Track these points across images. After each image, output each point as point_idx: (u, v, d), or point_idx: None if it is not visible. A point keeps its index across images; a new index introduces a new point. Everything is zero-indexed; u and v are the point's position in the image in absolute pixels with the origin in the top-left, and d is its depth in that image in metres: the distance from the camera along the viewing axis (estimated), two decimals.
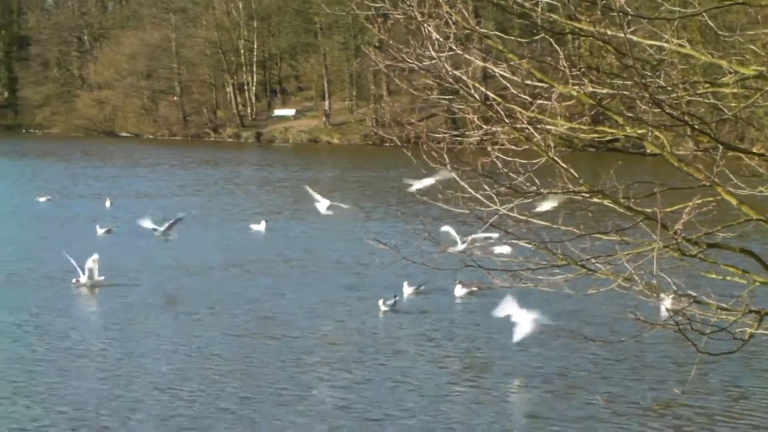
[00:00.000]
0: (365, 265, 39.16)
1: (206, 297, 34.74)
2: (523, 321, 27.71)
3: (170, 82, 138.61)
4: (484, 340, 29.46)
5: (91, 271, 35.27)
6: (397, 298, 32.71)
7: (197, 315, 32.23)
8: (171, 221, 39.69)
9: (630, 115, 12.00)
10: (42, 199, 61.89)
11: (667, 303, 12.06)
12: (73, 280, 35.71)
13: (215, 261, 41.82)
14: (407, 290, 33.44)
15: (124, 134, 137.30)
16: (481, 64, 12.34)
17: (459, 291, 33.95)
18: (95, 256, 35.64)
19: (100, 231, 48.18)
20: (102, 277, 35.50)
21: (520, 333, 27.55)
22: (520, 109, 11.90)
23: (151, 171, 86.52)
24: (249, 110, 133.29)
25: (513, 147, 12.10)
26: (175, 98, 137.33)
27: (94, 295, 35.12)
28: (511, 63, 12.06)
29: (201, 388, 24.67)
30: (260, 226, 49.80)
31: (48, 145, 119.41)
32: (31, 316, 32.00)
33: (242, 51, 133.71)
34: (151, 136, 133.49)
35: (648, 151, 12.11)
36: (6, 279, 37.60)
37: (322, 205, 44.28)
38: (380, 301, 32.37)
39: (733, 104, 12.26)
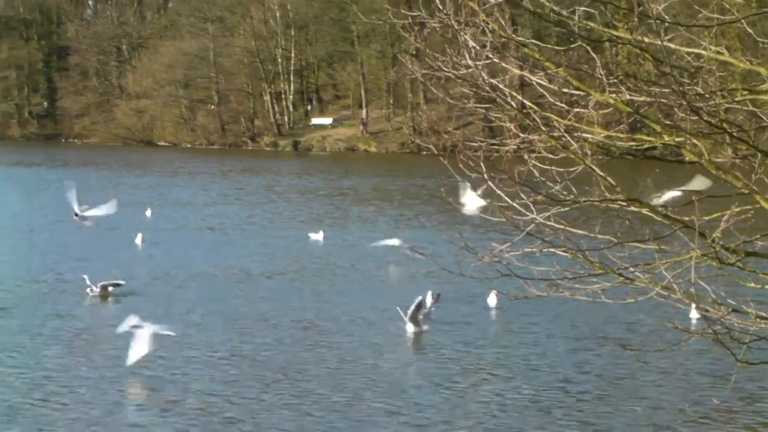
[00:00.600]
0: (413, 274, 39.13)
1: (254, 304, 34.81)
2: (141, 339, 26.27)
3: (208, 91, 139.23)
4: (522, 348, 29.37)
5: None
6: (430, 307, 32.54)
7: (244, 322, 32.27)
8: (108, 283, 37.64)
9: (668, 122, 11.94)
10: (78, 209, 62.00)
11: (705, 312, 11.99)
12: (87, 289, 35.62)
13: (261, 268, 41.90)
14: (429, 300, 33.15)
15: (162, 143, 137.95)
16: (518, 72, 12.33)
17: (493, 300, 33.80)
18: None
19: (138, 240, 48.23)
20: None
21: (137, 352, 26.08)
22: (557, 118, 11.87)
23: (192, 180, 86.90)
24: (286, 119, 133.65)
25: (550, 155, 12.07)
26: (212, 107, 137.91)
27: (136, 304, 35.18)
28: (548, 71, 12.03)
29: (248, 394, 24.68)
30: (318, 235, 49.63)
31: (87, 155, 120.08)
32: (67, 323, 32.11)
33: (279, 60, 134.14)
34: (188, 145, 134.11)
35: (686, 159, 12.04)
36: (52, 289, 37.66)
37: (472, 203, 44.14)
38: (401, 309, 32.16)
39: None
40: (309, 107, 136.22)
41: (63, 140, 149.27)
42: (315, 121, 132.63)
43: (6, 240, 50.59)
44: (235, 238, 51.58)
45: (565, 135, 11.66)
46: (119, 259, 40.80)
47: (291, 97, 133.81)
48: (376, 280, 39.69)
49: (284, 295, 36.70)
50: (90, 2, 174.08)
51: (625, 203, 11.59)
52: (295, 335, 30.78)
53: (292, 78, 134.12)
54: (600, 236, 12.10)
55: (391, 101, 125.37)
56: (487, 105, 12.63)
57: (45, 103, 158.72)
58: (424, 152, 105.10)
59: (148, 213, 60.04)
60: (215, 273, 40.67)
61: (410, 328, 30.86)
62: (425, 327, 30.88)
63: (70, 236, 50.62)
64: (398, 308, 31.47)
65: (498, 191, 11.94)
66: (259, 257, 45.13)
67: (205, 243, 49.72)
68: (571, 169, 11.93)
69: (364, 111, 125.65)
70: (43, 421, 22.90)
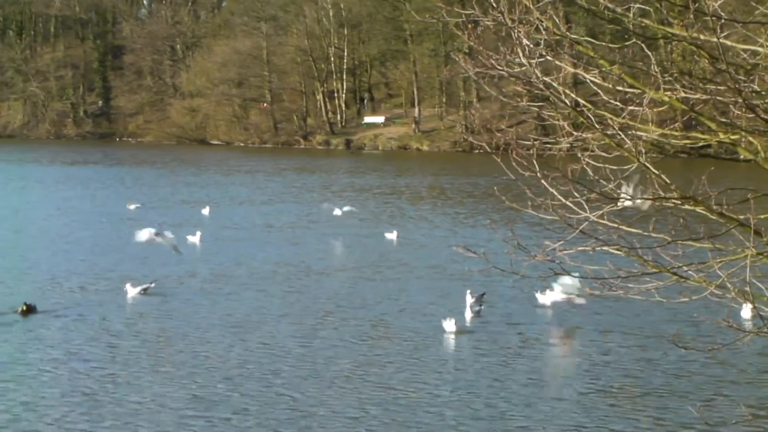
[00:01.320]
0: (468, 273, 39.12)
1: (323, 301, 34.96)
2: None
3: (261, 90, 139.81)
4: (579, 345, 29.34)
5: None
6: (482, 307, 32.58)
7: (312, 319, 32.36)
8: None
9: (723, 120, 11.86)
10: (132, 207, 62.51)
11: (761, 310, 11.89)
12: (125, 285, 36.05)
13: (323, 265, 42.21)
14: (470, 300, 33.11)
15: (215, 142, 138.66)
16: (572, 70, 12.28)
17: (541, 298, 33.76)
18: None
19: (191, 238, 48.11)
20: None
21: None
22: (611, 116, 11.82)
23: (249, 178, 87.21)
24: (339, 117, 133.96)
25: (603, 153, 12.02)
26: (265, 106, 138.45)
27: (199, 300, 35.34)
28: (602, 69, 11.98)
29: (317, 390, 24.75)
30: (392, 235, 49.62)
31: (142, 153, 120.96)
32: (128, 320, 32.32)
33: (332, 58, 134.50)
34: (241, 144, 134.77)
35: (741, 156, 11.96)
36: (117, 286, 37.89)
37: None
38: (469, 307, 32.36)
39: None
40: (361, 106, 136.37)
41: (117, 139, 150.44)
42: (367, 119, 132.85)
43: (70, 237, 51.07)
44: (295, 235, 51.77)
45: (619, 133, 11.61)
46: (177, 258, 40.93)
47: (343, 95, 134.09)
48: (438, 277, 39.60)
49: (349, 291, 36.80)
50: (145, 2, 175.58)
51: (679, 201, 11.52)
52: (366, 331, 30.86)
53: (344, 77, 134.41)
54: (654, 235, 12.03)
55: (444, 100, 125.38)
56: (541, 103, 12.60)
57: (100, 102, 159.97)
58: (477, 151, 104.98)
59: (206, 211, 60.39)
60: (280, 270, 40.82)
61: (468, 317, 31.56)
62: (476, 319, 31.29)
63: (129, 235, 51.05)
64: (468, 293, 32.37)
65: (551, 189, 11.91)
66: (320, 254, 45.31)
67: (264, 240, 49.91)
68: (625, 167, 11.88)
69: (416, 109, 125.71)
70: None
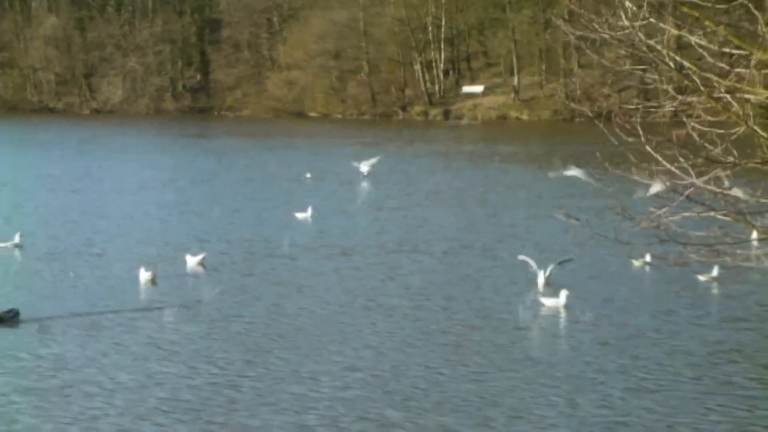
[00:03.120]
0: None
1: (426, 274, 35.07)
2: None
3: (358, 61, 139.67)
4: (675, 314, 29.02)
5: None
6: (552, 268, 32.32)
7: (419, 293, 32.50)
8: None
9: None
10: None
11: None
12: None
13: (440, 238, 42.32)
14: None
15: (313, 114, 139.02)
16: (676, 32, 12.02)
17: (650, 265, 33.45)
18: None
19: (308, 214, 47.92)
20: None
21: None
22: (717, 78, 11.55)
23: (362, 149, 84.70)
24: (437, 88, 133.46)
25: (709, 117, 11.77)
26: (363, 77, 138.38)
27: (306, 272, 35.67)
28: (708, 30, 11.72)
29: (430, 363, 24.86)
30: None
31: (243, 126, 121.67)
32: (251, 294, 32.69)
33: (430, 28, 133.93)
34: (339, 116, 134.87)
35: None
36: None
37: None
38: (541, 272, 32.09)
39: None
40: (453, 75, 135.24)
41: (216, 113, 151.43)
42: (466, 89, 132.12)
43: (194, 209, 52.27)
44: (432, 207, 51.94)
45: (726, 96, 11.34)
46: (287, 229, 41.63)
47: (441, 65, 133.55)
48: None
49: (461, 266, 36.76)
50: None
51: None
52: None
53: (442, 46, 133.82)
54: (762, 200, 11.76)
55: (543, 68, 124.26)
56: (644, 67, 12.36)
57: (198, 76, 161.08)
58: (578, 119, 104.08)
59: (308, 176, 62.65)
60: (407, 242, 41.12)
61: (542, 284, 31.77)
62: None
63: (240, 209, 51.64)
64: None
65: (656, 155, 11.69)
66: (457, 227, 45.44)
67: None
68: (732, 131, 11.61)
69: (515, 78, 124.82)
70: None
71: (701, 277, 31.80)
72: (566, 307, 29.32)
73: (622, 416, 21.25)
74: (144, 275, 34.00)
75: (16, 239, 40.83)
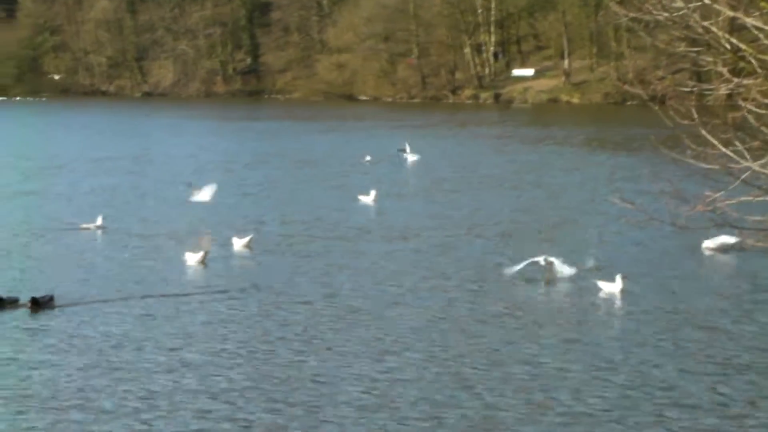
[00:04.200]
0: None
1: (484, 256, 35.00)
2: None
3: (408, 44, 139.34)
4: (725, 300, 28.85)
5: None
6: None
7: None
8: None
9: None
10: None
11: None
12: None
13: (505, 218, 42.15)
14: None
15: (363, 98, 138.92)
16: (731, 13, 11.85)
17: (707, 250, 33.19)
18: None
19: (364, 198, 48.20)
20: None
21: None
22: None
23: (420, 133, 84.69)
24: (487, 71, 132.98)
25: (765, 100, 11.61)
26: (413, 60, 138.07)
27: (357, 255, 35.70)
28: (764, 11, 11.54)
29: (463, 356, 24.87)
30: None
31: (294, 110, 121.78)
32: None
33: (480, 11, 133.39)
34: (389, 99, 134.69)
35: None
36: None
37: None
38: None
39: None
40: (498, 58, 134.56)
41: (266, 96, 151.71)
42: (516, 72, 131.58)
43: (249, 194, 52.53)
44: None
45: None
46: (348, 212, 41.86)
47: (492, 48, 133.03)
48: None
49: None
50: None
51: None
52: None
53: (492, 29, 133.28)
54: None
55: (594, 51, 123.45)
56: (698, 49, 12.21)
57: (248, 59, 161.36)
58: (629, 102, 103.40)
59: (368, 159, 63.93)
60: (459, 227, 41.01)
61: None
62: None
63: (300, 192, 51.92)
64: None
65: (711, 138, 11.54)
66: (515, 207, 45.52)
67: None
68: None
69: (566, 61, 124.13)
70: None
71: (757, 262, 31.58)
72: (622, 291, 29.18)
73: (678, 397, 21.16)
74: (193, 257, 34.40)
75: (99, 221, 41.40)
